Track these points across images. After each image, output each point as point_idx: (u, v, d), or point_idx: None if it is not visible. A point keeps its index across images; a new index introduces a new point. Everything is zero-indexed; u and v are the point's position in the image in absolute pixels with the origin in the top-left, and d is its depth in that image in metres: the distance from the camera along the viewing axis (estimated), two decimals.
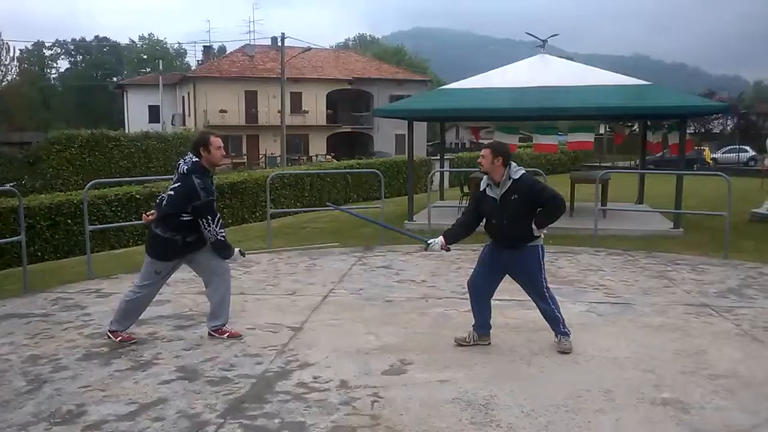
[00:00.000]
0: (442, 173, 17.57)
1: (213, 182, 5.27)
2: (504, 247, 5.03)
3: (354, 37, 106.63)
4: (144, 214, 5.39)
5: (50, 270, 8.80)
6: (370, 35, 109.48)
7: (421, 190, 18.64)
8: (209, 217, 5.08)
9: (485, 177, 5.03)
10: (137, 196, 13.00)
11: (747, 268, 8.27)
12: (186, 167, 5.13)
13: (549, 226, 4.96)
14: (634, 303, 6.54)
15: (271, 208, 10.28)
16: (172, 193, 5.15)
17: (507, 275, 5.19)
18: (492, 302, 5.24)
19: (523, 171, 4.97)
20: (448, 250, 5.19)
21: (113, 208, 12.45)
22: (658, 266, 8.37)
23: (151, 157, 25.44)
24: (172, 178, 5.32)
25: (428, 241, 5.16)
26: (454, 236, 5.13)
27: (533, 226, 4.87)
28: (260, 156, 44.76)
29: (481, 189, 5.06)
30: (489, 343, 5.24)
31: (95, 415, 3.96)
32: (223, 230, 5.26)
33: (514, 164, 4.96)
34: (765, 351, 5.13)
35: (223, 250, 5.27)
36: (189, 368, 4.76)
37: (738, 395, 4.24)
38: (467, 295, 5.38)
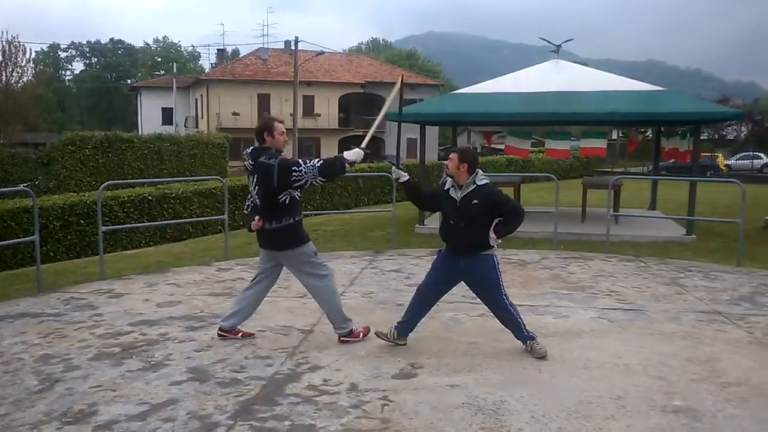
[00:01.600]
0: None
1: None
2: (458, 254, 5.05)
3: (367, 41, 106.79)
4: (253, 223, 5.20)
5: (63, 270, 8.86)
6: (383, 39, 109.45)
7: None
8: (293, 167, 4.96)
9: (450, 178, 5.08)
10: (149, 198, 13.09)
11: (760, 276, 8.21)
12: (250, 160, 5.12)
13: (506, 236, 4.98)
14: (646, 310, 6.50)
15: None
16: (258, 187, 5.10)
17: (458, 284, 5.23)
18: (519, 313, 5.22)
19: (488, 180, 5.02)
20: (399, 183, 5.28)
21: (126, 209, 12.53)
22: (670, 273, 8.32)
23: (163, 159, 25.54)
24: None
25: (393, 168, 5.35)
26: (411, 186, 5.25)
27: (491, 235, 4.88)
28: None
29: (445, 188, 5.10)
30: (405, 344, 5.29)
31: (106, 415, 3.98)
32: (317, 159, 5.08)
33: (481, 172, 5.02)
34: None
35: (333, 165, 5.05)
36: (200, 369, 4.78)
37: (750, 403, 4.21)
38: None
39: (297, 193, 5.17)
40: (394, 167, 5.38)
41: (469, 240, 4.96)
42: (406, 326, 5.31)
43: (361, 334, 5.46)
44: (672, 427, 3.86)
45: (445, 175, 5.18)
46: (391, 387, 4.45)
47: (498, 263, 5.08)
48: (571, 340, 5.50)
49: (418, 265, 8.79)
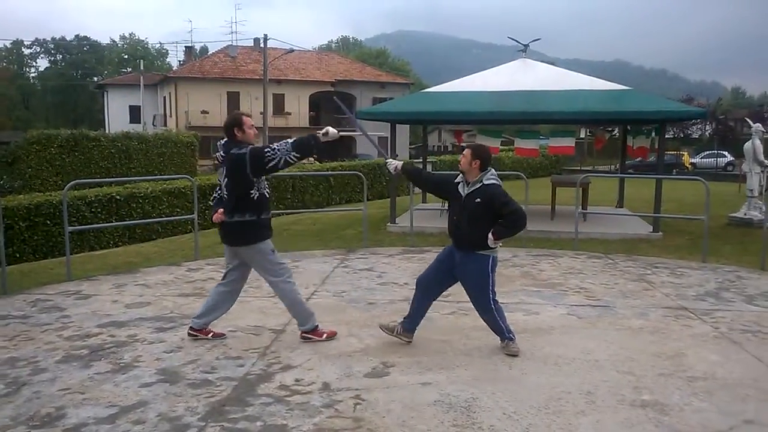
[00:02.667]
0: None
1: None
2: (458, 249, 5.10)
3: (337, 40, 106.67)
4: (215, 215, 5.20)
5: (29, 271, 8.70)
6: (353, 37, 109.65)
7: (404, 192, 18.66)
8: (266, 150, 4.95)
9: (461, 174, 5.11)
10: (117, 197, 12.90)
11: (725, 272, 8.38)
12: (221, 152, 5.10)
13: (505, 238, 5.00)
14: (614, 306, 6.60)
15: None
16: (227, 179, 5.08)
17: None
18: (505, 318, 5.25)
19: (496, 181, 5.02)
20: (399, 174, 5.36)
21: (93, 209, 12.34)
22: (637, 269, 8.46)
23: (131, 157, 25.19)
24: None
25: (387, 159, 5.43)
26: (414, 171, 5.39)
27: (490, 236, 4.89)
28: None
29: (456, 181, 5.15)
30: (410, 341, 5.32)
31: (75, 418, 3.93)
32: (274, 149, 5.00)
33: (492, 170, 5.03)
34: (742, 353, 5.20)
35: (307, 143, 5.01)
36: (170, 371, 4.73)
37: (716, 397, 4.30)
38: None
39: (267, 191, 5.16)
40: (388, 159, 5.41)
41: (468, 237, 4.99)
42: (410, 322, 5.33)
43: (325, 335, 5.44)
44: (640, 421, 3.93)
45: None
46: (363, 386, 4.45)
47: (494, 265, 5.07)
48: (541, 337, 5.56)
49: (390, 263, 8.81)
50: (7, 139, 34.20)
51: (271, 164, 4.96)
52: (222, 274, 5.60)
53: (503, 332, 5.14)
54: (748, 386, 4.49)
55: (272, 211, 5.50)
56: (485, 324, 5.23)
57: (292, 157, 4.97)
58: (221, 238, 5.32)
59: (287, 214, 15.26)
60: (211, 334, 5.48)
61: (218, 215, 5.16)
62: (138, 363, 4.89)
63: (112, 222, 12.21)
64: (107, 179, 18.85)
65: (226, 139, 5.15)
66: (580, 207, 11.24)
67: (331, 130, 5.07)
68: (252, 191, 5.05)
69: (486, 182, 4.96)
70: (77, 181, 9.57)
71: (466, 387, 4.42)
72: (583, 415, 4.00)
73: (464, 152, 5.02)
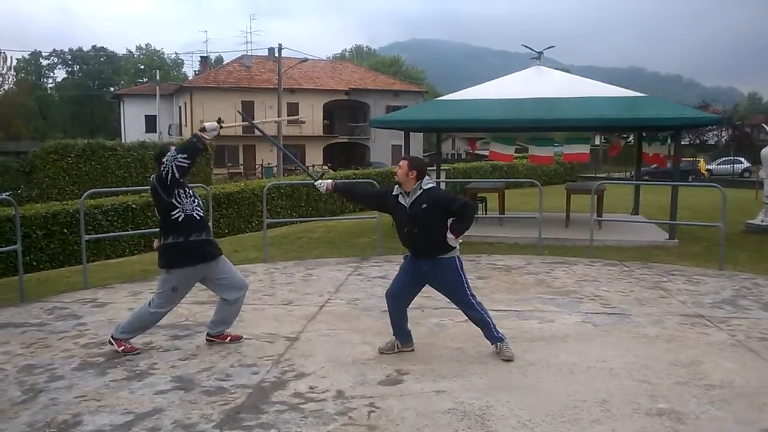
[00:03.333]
0: (438, 184, 17.57)
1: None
2: (420, 258, 5.12)
3: (351, 49, 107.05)
4: (155, 242, 5.30)
5: (46, 279, 8.79)
6: (366, 46, 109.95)
7: None
8: (161, 169, 4.97)
9: (397, 186, 5.14)
10: (133, 206, 13.01)
11: (742, 279, 8.30)
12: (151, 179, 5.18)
13: (464, 234, 5.02)
14: (630, 313, 6.56)
15: (267, 218, 10.27)
16: (155, 206, 5.18)
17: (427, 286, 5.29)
18: (489, 312, 5.25)
19: (434, 184, 5.11)
20: (333, 192, 5.42)
21: (109, 218, 12.45)
22: (653, 277, 8.40)
23: (147, 167, 25.34)
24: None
25: (316, 182, 5.44)
26: (345, 188, 5.54)
27: (449, 235, 4.92)
28: (257, 166, 44.78)
29: (393, 194, 5.17)
30: (412, 350, 5.33)
31: (91, 425, 3.96)
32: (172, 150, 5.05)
33: (427, 178, 5.10)
34: (759, 361, 5.15)
35: (189, 142, 5.06)
36: (185, 378, 4.76)
37: (733, 405, 4.26)
38: None
39: (197, 212, 5.15)
40: (317, 182, 5.42)
41: (427, 245, 5.02)
42: (401, 336, 5.35)
43: (229, 338, 5.55)
44: (656, 429, 3.90)
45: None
46: (377, 393, 4.45)
47: (461, 264, 5.12)
48: (556, 345, 5.53)
49: None
50: (25, 148, 34.64)
51: (168, 176, 4.96)
52: None
53: (491, 329, 5.15)
54: (766, 395, 4.44)
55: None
56: (504, 331, 5.24)
57: (181, 160, 4.96)
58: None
59: (301, 222, 15.30)
60: (229, 338, 5.54)
61: (156, 243, 5.26)
62: (153, 370, 4.92)
63: (128, 230, 12.31)
64: (123, 188, 19.00)
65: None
66: (595, 214, 11.19)
67: (209, 124, 5.11)
68: (174, 212, 5.07)
69: (426, 187, 5.02)
70: (94, 190, 9.67)
71: (481, 395, 4.41)
72: (599, 424, 3.97)
73: (400, 164, 5.07)
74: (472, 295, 5.15)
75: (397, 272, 5.41)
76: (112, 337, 5.33)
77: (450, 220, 4.97)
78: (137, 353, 5.31)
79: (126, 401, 4.32)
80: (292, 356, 5.26)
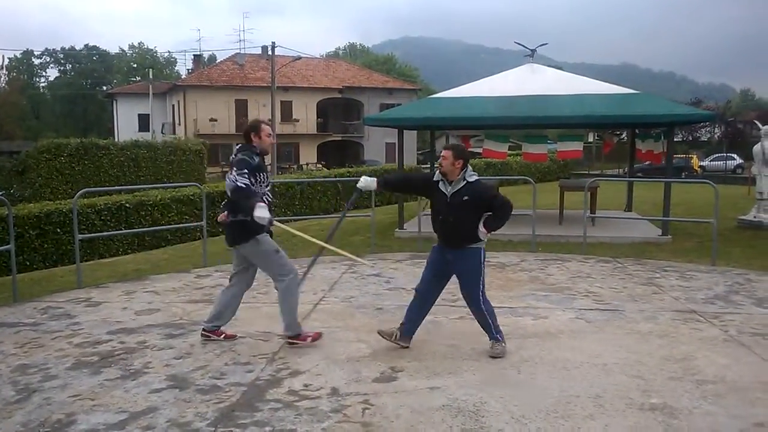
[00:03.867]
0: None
1: (262, 162, 5.26)
2: (448, 247, 5.15)
3: (344, 46, 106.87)
4: (220, 216, 5.30)
5: (39, 279, 8.77)
6: (360, 44, 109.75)
7: (412, 198, 18.67)
8: (237, 169, 5.00)
9: (438, 173, 5.15)
10: (127, 205, 12.99)
11: (734, 275, 8.35)
12: (233, 153, 5.18)
13: (496, 230, 5.10)
14: (623, 310, 6.58)
15: None
16: (229, 180, 5.12)
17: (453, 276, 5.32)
18: (494, 314, 5.27)
19: (477, 176, 5.13)
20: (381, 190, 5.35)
21: (102, 217, 12.43)
22: (646, 273, 8.43)
23: (140, 165, 25.34)
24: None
25: (359, 185, 5.33)
26: (395, 180, 5.39)
27: (481, 229, 4.98)
28: None
29: (435, 179, 5.18)
30: (407, 347, 5.33)
31: (85, 424, 3.95)
32: (246, 180, 4.98)
33: (470, 168, 5.11)
34: (752, 356, 5.18)
35: (241, 199, 4.98)
36: (179, 377, 4.75)
37: (725, 400, 4.28)
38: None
39: (267, 197, 5.19)
40: (358, 186, 5.34)
41: (458, 234, 5.06)
42: (409, 328, 5.37)
43: (309, 338, 5.47)
44: (649, 425, 3.92)
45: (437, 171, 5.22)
46: (371, 391, 4.46)
47: (484, 257, 5.16)
48: (550, 341, 5.55)
49: (398, 269, 8.82)
50: (17, 148, 34.53)
51: (237, 183, 4.97)
52: (224, 281, 5.64)
53: (491, 328, 5.18)
54: (758, 389, 4.47)
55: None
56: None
57: (232, 191, 5.04)
58: (225, 239, 5.38)
59: (295, 220, 15.28)
60: (224, 335, 5.55)
61: (223, 216, 5.25)
62: (147, 369, 4.92)
63: (121, 230, 12.30)
64: (116, 187, 18.99)
65: (243, 143, 5.24)
66: (589, 211, 11.22)
67: (262, 218, 4.89)
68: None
69: (469, 179, 5.04)
70: (87, 189, 9.64)
71: (475, 391, 4.42)
72: (592, 419, 3.99)
73: (444, 153, 5.05)
74: (483, 293, 5.16)
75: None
76: (287, 338, 5.41)
77: (485, 214, 5.02)
78: (318, 338, 5.44)
79: (120, 400, 4.31)
80: (287, 354, 5.26)
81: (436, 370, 4.84)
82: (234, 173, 5.01)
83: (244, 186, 4.96)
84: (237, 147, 5.26)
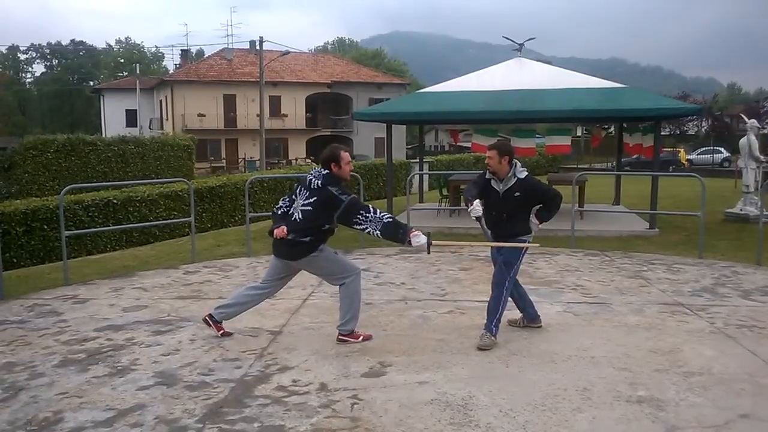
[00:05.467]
0: (421, 176, 17.60)
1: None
2: (500, 238, 5.32)
3: (333, 41, 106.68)
4: (277, 230, 5.16)
5: (26, 276, 8.70)
6: (348, 39, 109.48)
7: (401, 192, 18.68)
8: (362, 211, 5.01)
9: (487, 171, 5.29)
10: (114, 201, 12.90)
11: (721, 267, 8.41)
12: (319, 182, 5.13)
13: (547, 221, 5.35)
14: (611, 303, 6.62)
15: (250, 212, 10.24)
16: (309, 208, 5.11)
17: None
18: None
19: (527, 172, 5.27)
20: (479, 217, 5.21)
21: (90, 213, 12.34)
22: (634, 266, 8.48)
23: (128, 161, 25.19)
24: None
25: (470, 211, 5.18)
26: (476, 194, 5.20)
27: (534, 221, 5.26)
28: (239, 160, 44.57)
29: (487, 177, 5.32)
30: (540, 325, 5.68)
31: (72, 422, 3.93)
32: (386, 213, 5.08)
33: (519, 163, 5.24)
34: (738, 348, 5.22)
35: (396, 233, 4.98)
36: (167, 373, 4.74)
37: (711, 392, 4.32)
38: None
39: (336, 226, 5.23)
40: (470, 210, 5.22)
41: (510, 229, 5.25)
42: (526, 314, 5.69)
43: (361, 338, 5.45)
44: (636, 416, 3.94)
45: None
46: (360, 386, 4.46)
47: (527, 249, 5.38)
48: (538, 334, 5.58)
49: (387, 263, 8.82)
50: (3, 144, 34.22)
51: (357, 227, 5.04)
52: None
53: (494, 317, 5.22)
54: (744, 381, 4.51)
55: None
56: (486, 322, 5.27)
57: (377, 235, 5.01)
58: (277, 252, 5.32)
59: None
60: (222, 332, 5.54)
61: (281, 232, 5.14)
62: (135, 366, 4.90)
63: (109, 226, 12.21)
64: (104, 183, 18.86)
65: (326, 171, 5.16)
66: (577, 205, 11.26)
67: (421, 245, 4.94)
68: (326, 225, 5.15)
69: (520, 176, 5.18)
70: (74, 185, 9.58)
71: (463, 385, 4.43)
72: (580, 412, 4.01)
73: (489, 154, 5.19)
74: (509, 280, 5.28)
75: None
76: (342, 335, 5.39)
77: (536, 207, 5.22)
78: (369, 339, 5.45)
79: (108, 397, 4.29)
80: (276, 350, 5.25)
81: (424, 365, 4.85)
82: (365, 216, 4.98)
83: (390, 220, 4.99)
84: (323, 174, 5.16)
